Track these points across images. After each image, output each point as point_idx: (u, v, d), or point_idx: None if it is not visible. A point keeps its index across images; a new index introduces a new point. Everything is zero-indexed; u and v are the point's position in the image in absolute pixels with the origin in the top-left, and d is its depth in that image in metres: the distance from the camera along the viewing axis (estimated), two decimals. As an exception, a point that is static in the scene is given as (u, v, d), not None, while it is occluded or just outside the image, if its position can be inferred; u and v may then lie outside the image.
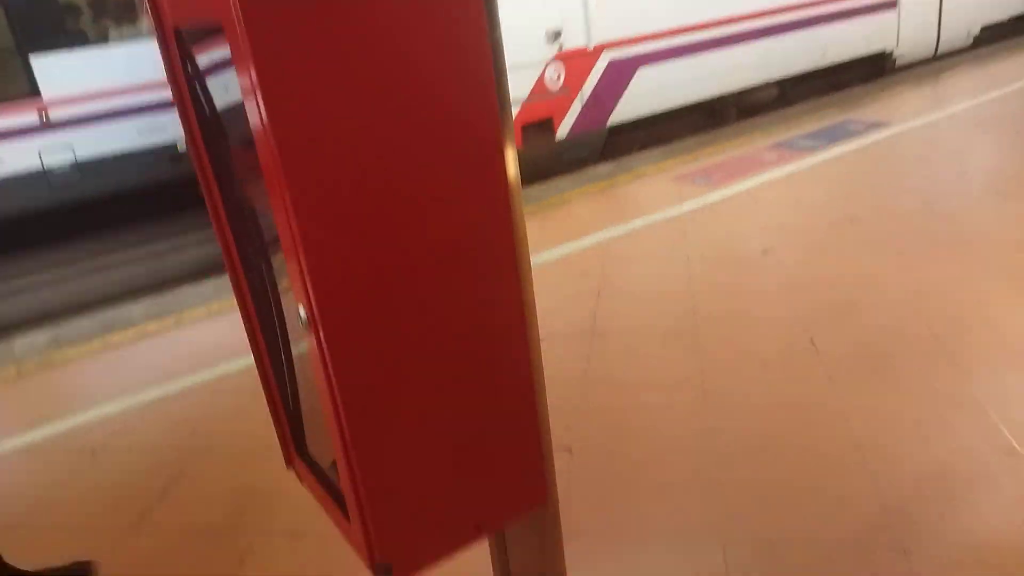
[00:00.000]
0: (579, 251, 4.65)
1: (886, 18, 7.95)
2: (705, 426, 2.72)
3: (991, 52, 9.19)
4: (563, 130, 6.13)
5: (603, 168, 6.31)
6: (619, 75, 6.28)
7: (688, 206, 5.17)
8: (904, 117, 6.57)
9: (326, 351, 0.87)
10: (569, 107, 6.10)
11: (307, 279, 0.83)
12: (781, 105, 7.64)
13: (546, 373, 3.21)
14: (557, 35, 5.85)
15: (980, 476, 2.31)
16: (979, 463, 2.36)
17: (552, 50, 5.86)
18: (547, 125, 6.01)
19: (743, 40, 6.89)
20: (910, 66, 8.62)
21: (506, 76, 1.00)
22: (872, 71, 8.27)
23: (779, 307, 3.58)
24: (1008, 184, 4.78)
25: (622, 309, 3.79)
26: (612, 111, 6.36)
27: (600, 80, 6.17)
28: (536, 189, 6.05)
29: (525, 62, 5.75)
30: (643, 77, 6.38)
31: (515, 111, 5.67)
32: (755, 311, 3.59)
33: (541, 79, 5.88)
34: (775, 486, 2.37)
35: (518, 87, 5.69)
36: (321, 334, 0.85)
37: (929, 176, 5.19)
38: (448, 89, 0.88)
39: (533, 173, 6.13)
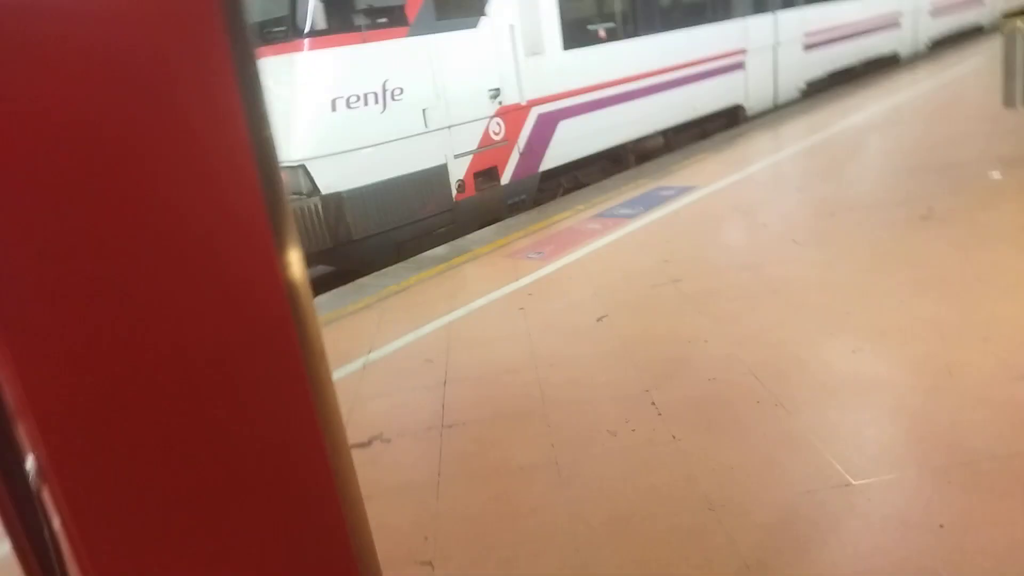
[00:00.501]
0: (422, 339, 4.56)
1: (738, 77, 9.77)
2: (565, 510, 2.67)
3: (800, 108, 10.57)
4: (506, 176, 7.00)
5: (439, 251, 6.33)
6: (546, 127, 7.30)
7: (524, 281, 5.26)
8: (709, 180, 7.17)
9: (64, 507, 0.71)
10: (509, 155, 6.98)
11: (31, 420, 0.68)
12: (660, 153, 8.80)
13: (397, 479, 3.02)
14: (497, 93, 6.74)
15: (823, 515, 2.41)
16: (820, 502, 2.47)
17: (493, 106, 6.73)
18: (493, 172, 6.83)
19: (636, 97, 8.26)
20: (758, 116, 10.45)
21: (278, 172, 0.92)
22: (731, 121, 10.03)
23: (618, 372, 3.66)
24: (800, 232, 5.30)
25: (470, 395, 3.72)
26: (542, 158, 7.35)
27: (532, 131, 7.15)
28: (373, 278, 5.94)
29: (474, 118, 6.59)
30: (563, 129, 7.45)
31: (467, 161, 6.58)
32: (597, 378, 3.65)
33: (486, 132, 6.72)
34: (641, 564, 2.34)
35: (470, 140, 6.59)
36: (53, 485, 0.70)
37: (735, 232, 5.64)
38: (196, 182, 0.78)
39: (485, 218, 6.96)
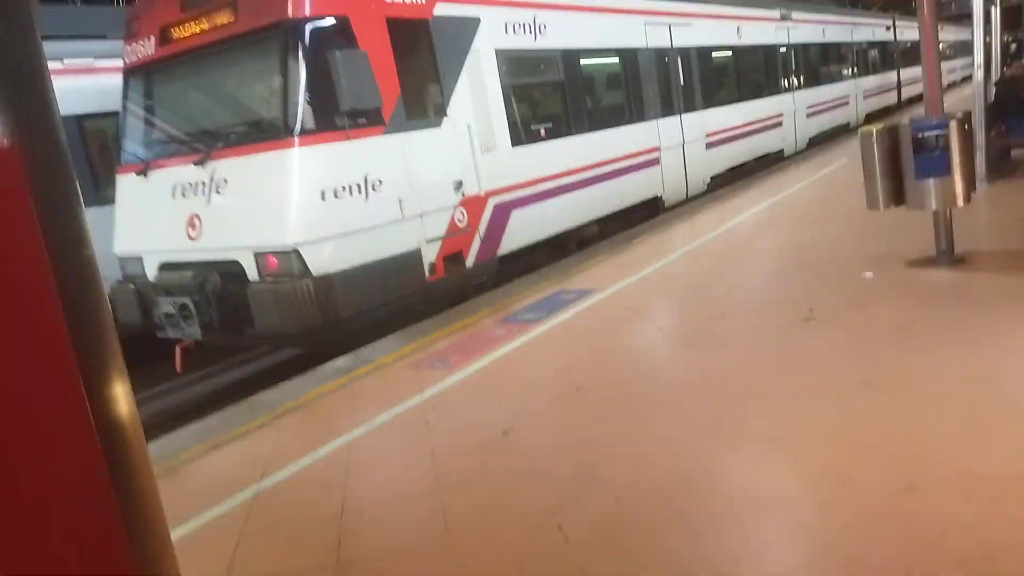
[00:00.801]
0: (319, 461, 4.34)
1: (655, 171, 10.89)
2: (468, 657, 2.51)
3: (698, 204, 11.32)
4: (470, 260, 7.63)
5: (340, 363, 6.15)
6: (502, 216, 8.01)
7: (429, 392, 5.15)
8: (606, 283, 7.37)
9: None
10: (472, 241, 7.63)
11: None
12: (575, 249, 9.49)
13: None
14: (460, 184, 7.41)
15: (730, 649, 2.36)
16: (726, 634, 2.43)
17: (458, 197, 7.40)
18: (459, 256, 7.48)
19: (575, 189, 9.16)
20: (674, 207, 11.53)
21: (100, 297, 0.83)
22: (652, 211, 10.94)
23: (525, 493, 3.57)
24: (694, 337, 5.47)
25: (369, 525, 3.53)
26: (500, 244, 8.03)
27: (490, 220, 7.84)
28: (269, 393, 5.68)
29: (442, 207, 7.20)
30: (516, 217, 8.19)
31: (438, 246, 7.17)
32: (504, 501, 3.54)
33: (452, 220, 7.35)
34: None
35: (440, 227, 7.20)
36: None
37: (633, 337, 5.77)
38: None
39: (453, 297, 7.57)
